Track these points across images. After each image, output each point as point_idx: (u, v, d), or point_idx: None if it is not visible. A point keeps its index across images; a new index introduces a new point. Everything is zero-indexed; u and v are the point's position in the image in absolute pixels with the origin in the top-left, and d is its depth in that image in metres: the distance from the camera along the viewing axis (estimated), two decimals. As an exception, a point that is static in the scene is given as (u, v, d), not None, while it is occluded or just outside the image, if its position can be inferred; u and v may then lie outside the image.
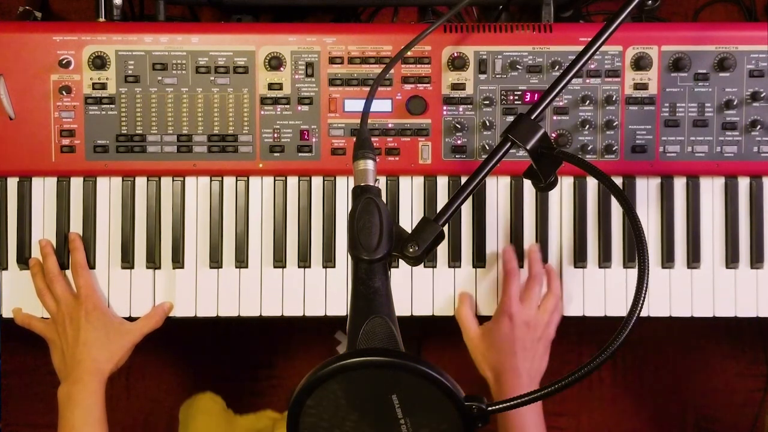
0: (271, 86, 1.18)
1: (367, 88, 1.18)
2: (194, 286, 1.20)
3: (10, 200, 1.20)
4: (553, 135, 1.19)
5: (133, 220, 1.20)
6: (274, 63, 1.17)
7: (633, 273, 1.21)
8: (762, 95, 1.18)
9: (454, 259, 1.20)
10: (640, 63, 1.18)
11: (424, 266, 1.20)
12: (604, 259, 1.20)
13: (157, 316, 1.18)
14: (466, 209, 1.21)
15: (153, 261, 1.20)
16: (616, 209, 1.21)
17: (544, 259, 1.20)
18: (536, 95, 1.19)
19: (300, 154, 1.19)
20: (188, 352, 1.63)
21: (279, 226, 1.20)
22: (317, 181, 1.21)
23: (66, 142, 1.18)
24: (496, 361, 1.14)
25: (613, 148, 1.19)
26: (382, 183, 1.20)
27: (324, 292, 1.20)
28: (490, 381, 1.15)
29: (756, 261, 1.21)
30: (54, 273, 1.16)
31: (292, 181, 1.21)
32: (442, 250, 1.20)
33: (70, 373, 1.12)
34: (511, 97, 1.19)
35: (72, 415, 1.09)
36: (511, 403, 0.70)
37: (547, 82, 1.18)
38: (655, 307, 1.20)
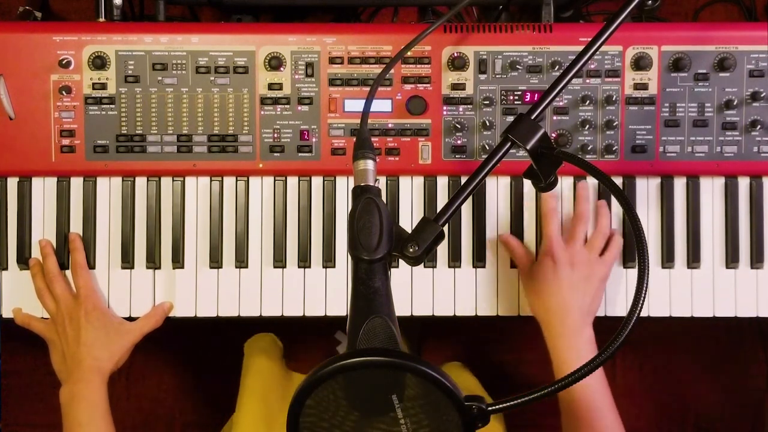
0: (271, 86, 1.18)
1: (367, 88, 1.18)
2: (194, 286, 1.20)
3: (10, 200, 1.20)
4: (553, 135, 1.19)
5: (133, 221, 1.20)
6: (274, 63, 1.17)
7: (633, 273, 1.21)
8: (762, 95, 1.18)
9: (454, 259, 1.20)
10: (640, 63, 1.18)
11: (424, 266, 1.20)
12: (604, 259, 1.20)
13: (157, 315, 1.18)
14: (466, 209, 1.21)
15: (153, 261, 1.20)
16: (616, 209, 1.21)
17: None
18: (536, 95, 1.19)
19: (300, 154, 1.19)
20: (188, 352, 1.63)
21: (279, 226, 1.20)
22: (317, 181, 1.21)
23: (66, 142, 1.18)
24: (543, 303, 1.12)
25: (613, 148, 1.19)
26: (382, 183, 1.20)
27: (324, 292, 1.20)
28: (542, 324, 1.13)
29: (756, 261, 1.21)
30: (54, 273, 1.16)
31: (292, 181, 1.21)
32: (442, 250, 1.20)
33: (72, 374, 1.12)
34: (511, 97, 1.19)
35: (78, 413, 1.09)
36: (512, 403, 0.70)
37: (547, 82, 1.18)
38: (655, 307, 1.20)
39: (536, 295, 1.14)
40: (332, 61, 1.18)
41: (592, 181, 1.21)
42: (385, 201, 1.05)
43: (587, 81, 1.19)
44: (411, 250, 0.81)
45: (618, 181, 1.21)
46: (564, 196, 1.21)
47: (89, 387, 1.10)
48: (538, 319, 1.14)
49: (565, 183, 1.21)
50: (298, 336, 1.62)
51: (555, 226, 1.15)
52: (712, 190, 1.21)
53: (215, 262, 1.20)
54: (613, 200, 1.20)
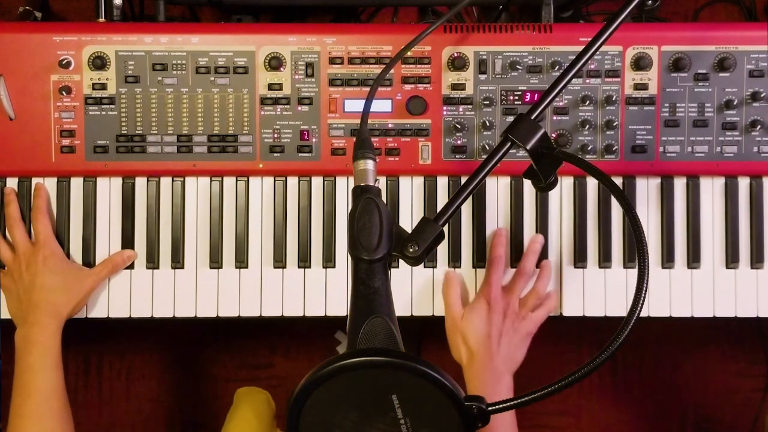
0: (271, 86, 1.18)
1: (367, 88, 1.18)
2: (194, 286, 1.20)
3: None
4: (553, 135, 1.19)
5: (133, 221, 1.20)
6: (274, 63, 1.17)
7: (633, 273, 1.21)
8: (762, 95, 1.18)
9: (454, 260, 1.20)
10: (640, 63, 1.18)
11: (424, 266, 1.20)
12: (604, 259, 1.20)
13: (115, 261, 1.18)
14: (466, 209, 1.21)
15: (153, 261, 1.20)
16: (616, 209, 1.21)
17: (544, 258, 1.20)
18: (536, 95, 1.19)
19: (300, 154, 1.19)
20: (188, 352, 1.63)
21: (279, 226, 1.20)
22: (317, 181, 1.21)
23: (66, 142, 1.18)
24: (470, 343, 1.14)
25: (613, 148, 1.19)
26: (382, 183, 1.20)
27: (324, 292, 1.20)
28: (463, 362, 1.15)
29: (756, 261, 1.21)
30: (14, 218, 1.17)
31: (292, 181, 1.21)
32: (442, 250, 1.20)
33: (27, 317, 1.12)
34: (511, 97, 1.19)
35: (29, 357, 1.09)
36: (512, 403, 0.70)
37: (547, 82, 1.18)
38: (655, 307, 1.20)
39: (463, 337, 1.15)
40: (332, 61, 1.18)
41: (592, 182, 1.21)
42: (385, 201, 1.05)
43: (587, 81, 1.19)
44: (411, 250, 0.81)
45: (618, 181, 1.21)
46: (564, 196, 1.21)
47: (44, 331, 1.11)
48: (457, 359, 1.16)
49: (565, 183, 1.21)
50: (298, 336, 1.62)
51: (498, 275, 1.17)
52: (712, 190, 1.21)
53: (215, 262, 1.20)
54: (613, 200, 1.20)
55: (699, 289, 1.21)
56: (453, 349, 1.17)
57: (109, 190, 1.20)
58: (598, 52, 1.00)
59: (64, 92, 1.17)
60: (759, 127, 1.18)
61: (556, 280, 1.21)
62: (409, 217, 1.21)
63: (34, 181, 1.19)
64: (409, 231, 0.83)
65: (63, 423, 1.09)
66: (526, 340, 1.17)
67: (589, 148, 1.19)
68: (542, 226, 1.21)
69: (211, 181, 1.20)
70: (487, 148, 1.19)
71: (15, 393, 1.09)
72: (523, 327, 1.16)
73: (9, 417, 1.08)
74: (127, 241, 1.20)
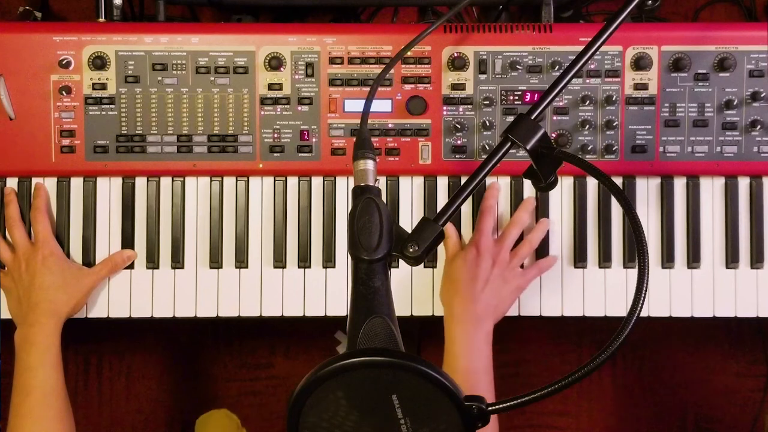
0: (271, 86, 1.18)
1: (367, 88, 1.18)
2: (194, 286, 1.20)
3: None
4: (553, 135, 1.19)
5: (133, 221, 1.20)
6: (274, 63, 1.17)
7: (633, 273, 1.21)
8: (762, 95, 1.18)
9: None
10: (640, 63, 1.18)
11: (424, 266, 1.20)
12: (604, 259, 1.20)
13: (115, 260, 1.18)
14: (466, 209, 1.21)
15: (153, 261, 1.20)
16: (616, 209, 1.21)
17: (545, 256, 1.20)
18: (536, 95, 1.19)
19: (300, 154, 1.19)
20: (188, 352, 1.63)
21: (279, 226, 1.20)
22: (317, 181, 1.21)
23: (66, 142, 1.18)
24: (455, 285, 1.13)
25: (613, 148, 1.19)
26: (382, 183, 1.20)
27: (324, 292, 1.20)
28: (445, 307, 1.14)
29: (756, 261, 1.21)
30: (14, 218, 1.17)
31: (292, 181, 1.21)
32: (443, 250, 1.20)
33: (27, 317, 1.12)
34: (511, 97, 1.19)
35: (29, 356, 1.10)
36: (512, 403, 0.70)
37: (547, 82, 1.18)
38: (655, 307, 1.20)
39: (449, 278, 1.14)
40: (332, 61, 1.18)
41: (592, 182, 1.21)
42: (385, 201, 1.05)
43: (587, 81, 1.19)
44: (411, 250, 0.81)
45: (618, 181, 1.21)
46: (564, 196, 1.21)
47: (42, 331, 1.11)
48: (443, 303, 1.15)
49: (565, 183, 1.21)
50: (298, 336, 1.62)
51: (488, 223, 1.16)
52: (712, 190, 1.21)
53: (215, 262, 1.20)
54: (613, 200, 1.20)
55: (699, 289, 1.21)
56: (441, 291, 1.16)
57: (109, 190, 1.20)
58: (598, 52, 1.00)
59: (64, 92, 1.17)
60: (759, 127, 1.18)
61: (556, 280, 1.21)
62: (409, 217, 1.21)
63: (34, 181, 1.20)
64: (409, 231, 0.83)
65: (62, 422, 1.09)
66: (515, 294, 1.16)
67: (589, 148, 1.19)
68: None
69: (211, 181, 1.20)
70: (487, 148, 1.19)
71: (14, 392, 1.09)
72: (512, 278, 1.15)
73: (9, 416, 1.08)
74: (127, 241, 1.20)
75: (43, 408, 1.08)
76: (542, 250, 1.20)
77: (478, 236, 1.15)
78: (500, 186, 1.19)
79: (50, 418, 1.08)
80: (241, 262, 1.20)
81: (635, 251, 1.19)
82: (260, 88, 1.18)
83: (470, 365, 1.08)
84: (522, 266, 1.18)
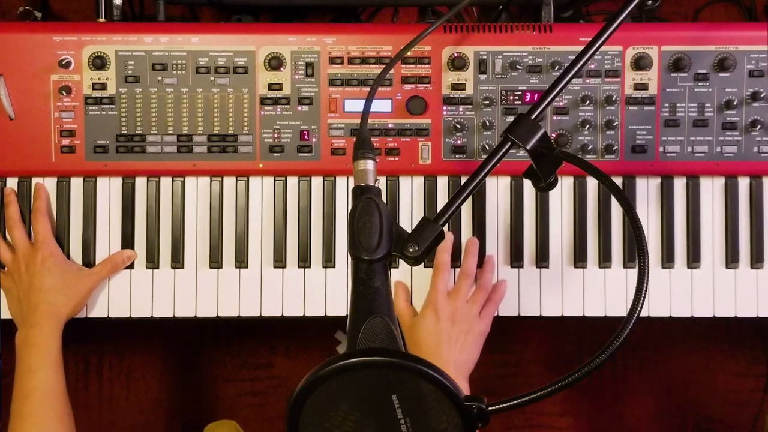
0: (271, 86, 1.18)
1: (367, 88, 1.18)
2: (194, 286, 1.20)
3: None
4: (553, 135, 1.19)
5: (133, 221, 1.20)
6: (274, 63, 1.17)
7: (633, 273, 1.21)
8: (762, 95, 1.18)
9: (454, 260, 1.20)
10: (640, 63, 1.18)
11: (424, 266, 1.20)
12: (604, 259, 1.20)
13: (115, 261, 1.18)
14: (466, 209, 1.21)
15: (153, 261, 1.20)
16: (616, 209, 1.21)
17: (544, 258, 1.20)
18: (536, 95, 1.19)
19: (300, 154, 1.19)
20: (188, 352, 1.63)
21: (279, 226, 1.20)
22: (317, 181, 1.21)
23: (66, 142, 1.18)
24: (424, 355, 1.13)
25: (613, 148, 1.19)
26: (382, 183, 1.20)
27: (324, 292, 1.20)
28: None
29: (756, 261, 1.21)
30: (14, 219, 1.17)
31: (292, 181, 1.21)
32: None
33: (27, 318, 1.12)
34: (511, 97, 1.19)
35: (29, 357, 1.10)
36: (512, 403, 0.70)
37: (547, 82, 1.18)
38: (655, 307, 1.20)
39: (416, 347, 1.14)
40: (332, 61, 1.18)
41: (592, 182, 1.21)
42: (385, 201, 1.05)
43: (587, 81, 1.19)
44: (411, 250, 0.81)
45: (618, 181, 1.21)
46: (564, 196, 1.21)
47: (42, 332, 1.11)
48: None
49: (565, 183, 1.21)
50: (298, 336, 1.62)
51: (443, 282, 1.16)
52: (712, 190, 1.21)
53: (215, 262, 1.20)
54: (613, 200, 1.20)
55: (699, 289, 1.21)
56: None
57: (109, 190, 1.20)
58: (598, 52, 1.00)
59: (64, 92, 1.17)
60: (759, 127, 1.18)
61: (556, 280, 1.21)
62: (409, 217, 1.21)
63: (34, 181, 1.20)
64: (409, 231, 0.83)
65: (63, 423, 1.09)
66: (479, 340, 1.16)
67: (589, 148, 1.19)
68: (542, 226, 1.21)
69: (211, 181, 1.20)
70: (487, 148, 1.19)
71: (15, 394, 1.09)
72: (475, 328, 1.15)
73: (9, 418, 1.08)
74: (127, 241, 1.20)
75: (43, 409, 1.08)
76: (543, 251, 1.20)
77: (434, 295, 1.15)
78: (453, 237, 1.19)
79: (50, 419, 1.08)
80: (241, 262, 1.20)
81: (635, 251, 1.19)
82: (260, 88, 1.18)
83: None
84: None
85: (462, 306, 1.15)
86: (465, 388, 1.12)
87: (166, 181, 1.20)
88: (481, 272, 1.19)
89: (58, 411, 1.09)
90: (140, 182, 1.20)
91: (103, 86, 1.17)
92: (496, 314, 1.19)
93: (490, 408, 0.68)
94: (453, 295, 1.16)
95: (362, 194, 0.84)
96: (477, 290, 1.18)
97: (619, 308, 1.20)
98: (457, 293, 1.16)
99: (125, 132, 1.18)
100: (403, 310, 1.18)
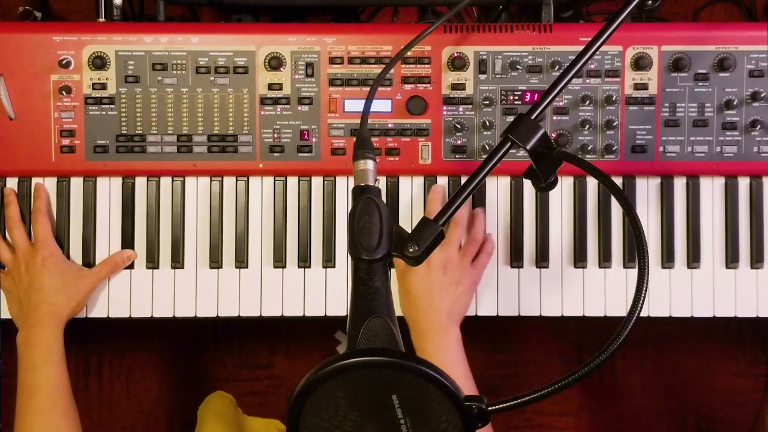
0: (271, 86, 1.18)
1: (367, 88, 1.18)
2: (194, 286, 1.20)
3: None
4: (553, 135, 1.19)
5: (133, 221, 1.20)
6: (274, 63, 1.17)
7: (633, 273, 1.21)
8: (762, 95, 1.18)
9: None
10: (640, 63, 1.18)
11: (424, 266, 1.20)
12: (604, 259, 1.20)
13: (115, 261, 1.18)
14: (466, 209, 1.21)
15: (153, 261, 1.20)
16: (616, 209, 1.21)
17: (544, 258, 1.20)
18: (536, 95, 1.19)
19: (300, 154, 1.19)
20: (188, 352, 1.63)
21: (279, 226, 1.20)
22: (317, 181, 1.21)
23: (66, 142, 1.18)
24: (414, 303, 1.14)
25: (613, 148, 1.19)
26: (382, 183, 1.20)
27: (324, 292, 1.20)
28: (410, 323, 1.14)
29: (756, 261, 1.21)
30: (14, 219, 1.17)
31: (292, 181, 1.21)
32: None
33: (28, 319, 1.12)
34: (511, 97, 1.19)
35: (32, 356, 1.10)
36: (512, 403, 0.70)
37: (547, 82, 1.18)
38: (655, 307, 1.20)
39: (407, 295, 1.15)
40: (332, 61, 1.18)
41: (592, 182, 1.21)
42: (385, 201, 1.05)
43: (587, 81, 1.19)
44: (411, 250, 0.81)
45: (618, 181, 1.21)
46: (564, 196, 1.21)
47: (44, 331, 1.11)
48: (406, 318, 1.15)
49: (565, 183, 1.21)
50: (298, 336, 1.62)
51: None
52: (712, 190, 1.21)
53: (215, 262, 1.20)
54: (613, 200, 1.20)
55: (699, 289, 1.21)
56: (401, 305, 1.16)
57: (109, 190, 1.20)
58: (598, 52, 1.00)
59: (64, 92, 1.17)
60: (759, 127, 1.18)
61: (556, 280, 1.21)
62: (409, 217, 1.21)
63: (34, 181, 1.20)
64: (409, 231, 0.83)
65: (69, 419, 1.09)
66: (471, 290, 1.17)
67: (589, 148, 1.19)
68: (542, 226, 1.21)
69: (211, 181, 1.20)
70: (487, 148, 1.19)
71: (19, 393, 1.09)
72: (466, 277, 1.15)
73: (15, 417, 1.09)
74: (127, 241, 1.20)
75: (49, 406, 1.08)
76: (543, 251, 1.20)
77: None
78: (443, 189, 1.19)
79: (57, 415, 1.08)
80: (241, 262, 1.20)
81: (635, 251, 1.19)
82: (260, 88, 1.18)
83: (450, 375, 1.09)
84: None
85: (453, 255, 1.15)
86: (456, 334, 1.13)
87: (166, 181, 1.20)
88: (474, 222, 1.19)
89: (64, 407, 1.09)
90: (140, 182, 1.20)
91: (103, 86, 1.17)
92: (487, 264, 1.19)
93: (490, 408, 0.68)
94: (444, 245, 1.15)
95: (362, 194, 0.84)
96: (468, 241, 1.18)
97: (619, 308, 1.20)
98: (448, 243, 1.15)
99: (125, 132, 1.18)
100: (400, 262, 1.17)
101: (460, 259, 1.15)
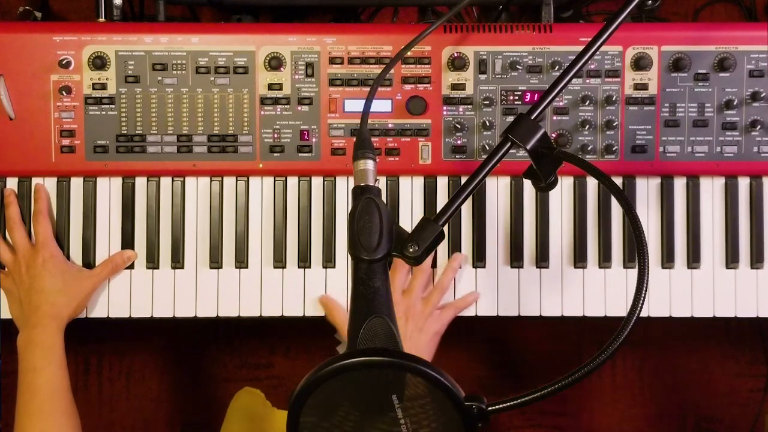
0: (271, 86, 1.18)
1: (367, 88, 1.18)
2: (194, 286, 1.20)
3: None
4: (553, 135, 1.19)
5: (133, 221, 1.20)
6: (274, 63, 1.17)
7: (633, 273, 1.21)
8: (762, 95, 1.18)
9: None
10: (640, 63, 1.18)
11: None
12: (604, 259, 1.20)
13: (116, 261, 1.18)
14: (466, 209, 1.21)
15: (153, 261, 1.20)
16: (616, 209, 1.21)
17: (544, 258, 1.20)
18: (536, 95, 1.19)
19: (300, 154, 1.19)
20: (188, 352, 1.63)
21: (279, 226, 1.20)
22: (317, 181, 1.21)
23: (66, 142, 1.18)
24: None
25: (613, 148, 1.19)
26: (382, 183, 1.20)
27: (324, 292, 1.20)
28: None
29: (756, 261, 1.21)
30: (14, 220, 1.17)
31: (292, 181, 1.21)
32: (443, 249, 1.20)
33: (29, 319, 1.12)
34: (511, 97, 1.19)
35: (33, 357, 1.10)
36: (512, 403, 0.70)
37: (547, 82, 1.18)
38: (655, 307, 1.20)
39: None
40: (332, 61, 1.18)
41: (592, 182, 1.21)
42: (385, 201, 1.05)
43: (587, 81, 1.19)
44: (411, 250, 0.81)
45: (618, 181, 1.21)
46: (564, 196, 1.21)
47: (45, 332, 1.11)
48: None
49: (565, 183, 1.21)
50: (298, 336, 1.62)
51: (398, 279, 1.16)
52: (712, 190, 1.21)
53: (215, 262, 1.20)
54: (613, 200, 1.20)
55: (699, 289, 1.21)
56: None
57: (109, 190, 1.20)
58: (598, 52, 1.00)
59: (64, 92, 1.17)
60: (759, 127, 1.18)
61: (556, 280, 1.21)
62: (409, 217, 1.21)
63: (34, 181, 1.20)
64: (409, 231, 0.83)
65: (70, 419, 1.09)
66: (434, 340, 1.16)
67: (589, 148, 1.19)
68: (542, 226, 1.21)
69: (211, 181, 1.20)
70: (487, 148, 1.19)
71: (20, 393, 1.09)
72: (429, 326, 1.15)
73: (15, 417, 1.08)
74: (127, 242, 1.20)
75: (50, 406, 1.08)
76: (543, 251, 1.20)
77: None
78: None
79: (59, 416, 1.08)
80: (241, 262, 1.20)
81: (635, 251, 1.19)
82: (260, 88, 1.18)
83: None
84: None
85: (416, 304, 1.15)
86: None
87: (166, 181, 1.20)
88: (443, 271, 1.18)
89: (65, 408, 1.09)
90: (140, 182, 1.20)
91: (103, 86, 1.17)
92: (454, 318, 1.18)
93: (490, 408, 0.68)
94: (407, 293, 1.17)
95: (362, 194, 0.84)
96: (434, 289, 1.18)
97: (619, 308, 1.20)
98: (410, 291, 1.16)
99: (125, 132, 1.18)
100: (343, 314, 1.18)
101: (423, 307, 1.15)
